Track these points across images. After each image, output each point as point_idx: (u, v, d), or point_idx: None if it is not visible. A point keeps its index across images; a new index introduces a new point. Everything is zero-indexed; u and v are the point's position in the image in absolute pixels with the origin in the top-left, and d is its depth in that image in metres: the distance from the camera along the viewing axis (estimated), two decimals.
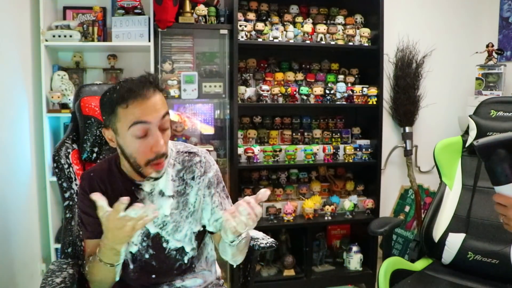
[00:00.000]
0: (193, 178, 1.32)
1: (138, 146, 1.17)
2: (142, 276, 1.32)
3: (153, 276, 1.32)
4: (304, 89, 2.63)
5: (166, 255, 1.32)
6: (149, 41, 2.40)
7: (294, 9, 2.78)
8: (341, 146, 2.74)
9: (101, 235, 1.22)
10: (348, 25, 2.78)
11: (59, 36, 2.32)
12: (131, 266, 1.31)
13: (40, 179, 2.36)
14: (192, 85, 2.45)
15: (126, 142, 1.18)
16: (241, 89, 2.56)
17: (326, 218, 2.68)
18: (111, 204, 1.27)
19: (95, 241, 1.26)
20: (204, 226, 1.35)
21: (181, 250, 1.32)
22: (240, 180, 2.65)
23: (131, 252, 1.30)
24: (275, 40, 2.58)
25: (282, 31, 2.63)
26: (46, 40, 2.30)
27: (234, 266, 1.51)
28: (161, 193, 1.29)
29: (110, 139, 1.22)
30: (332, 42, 2.70)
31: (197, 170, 1.32)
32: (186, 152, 1.34)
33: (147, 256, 1.31)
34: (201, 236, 1.35)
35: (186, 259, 1.34)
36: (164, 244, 1.31)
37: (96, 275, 1.23)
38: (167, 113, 1.19)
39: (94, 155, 1.55)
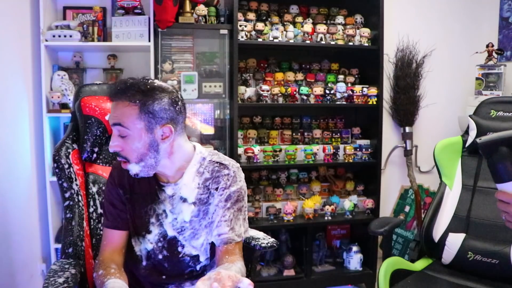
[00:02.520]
0: (216, 189, 1.30)
1: None
2: (153, 275, 1.33)
3: (164, 277, 1.33)
4: (304, 89, 2.63)
5: (180, 259, 1.32)
6: (149, 41, 2.40)
7: (294, 9, 2.78)
8: (341, 146, 2.74)
9: (119, 227, 1.30)
10: (348, 25, 2.78)
11: (59, 36, 2.32)
12: (144, 263, 1.33)
13: (40, 179, 2.36)
14: (192, 85, 2.45)
15: None
16: (241, 89, 2.56)
17: (326, 218, 2.68)
18: (133, 198, 1.31)
19: (112, 232, 1.31)
20: None
21: (195, 258, 1.33)
22: None
23: (146, 249, 1.32)
24: (275, 40, 2.58)
25: (282, 31, 2.63)
26: (46, 40, 2.30)
27: None
28: (183, 199, 1.30)
29: None
30: (332, 42, 2.70)
31: (222, 182, 1.30)
32: (217, 163, 1.33)
33: (160, 256, 1.32)
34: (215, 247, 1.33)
35: (198, 267, 1.34)
36: (180, 248, 1.31)
37: None
38: (119, 124, 1.18)
39: (94, 155, 1.55)
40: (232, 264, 1.19)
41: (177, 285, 1.35)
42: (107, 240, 1.31)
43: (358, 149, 2.74)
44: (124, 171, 1.30)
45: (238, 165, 1.36)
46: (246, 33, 2.53)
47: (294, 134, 2.74)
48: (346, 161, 2.72)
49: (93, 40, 2.40)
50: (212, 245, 1.32)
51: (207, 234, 1.31)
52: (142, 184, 1.31)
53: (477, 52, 2.86)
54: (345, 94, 2.72)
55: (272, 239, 1.51)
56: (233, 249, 1.26)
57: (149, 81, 1.21)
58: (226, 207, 1.28)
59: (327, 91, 2.67)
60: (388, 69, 3.04)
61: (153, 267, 1.33)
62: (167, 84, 1.25)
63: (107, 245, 1.30)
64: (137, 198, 1.32)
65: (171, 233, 1.31)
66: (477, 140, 1.05)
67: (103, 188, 1.52)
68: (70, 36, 2.33)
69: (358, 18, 2.82)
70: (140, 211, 1.31)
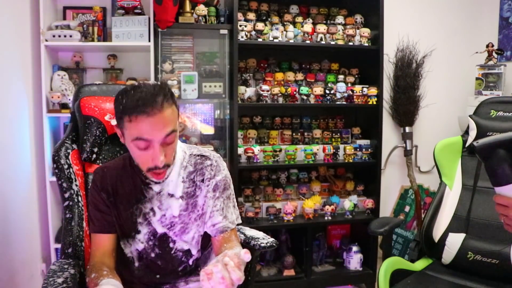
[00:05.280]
0: (202, 181, 1.32)
1: (139, 155, 1.19)
2: (147, 275, 1.33)
3: (158, 276, 1.32)
4: (304, 89, 2.63)
5: (172, 256, 1.32)
6: (149, 41, 2.40)
7: (294, 9, 2.78)
8: (341, 146, 2.74)
9: (106, 230, 1.29)
10: (348, 25, 2.78)
11: (59, 36, 2.32)
12: (136, 264, 1.32)
13: (40, 179, 2.36)
14: (192, 85, 2.45)
15: (130, 148, 1.21)
16: (241, 89, 2.56)
17: (326, 218, 2.68)
18: (118, 201, 1.30)
19: (100, 236, 1.30)
20: None
21: (187, 252, 1.33)
22: (240, 180, 2.65)
23: (137, 250, 1.31)
24: (275, 40, 2.58)
25: (282, 31, 2.63)
26: (46, 40, 2.30)
27: None
28: (170, 194, 1.30)
29: (120, 136, 1.24)
30: (332, 42, 2.70)
31: (207, 173, 1.32)
32: (198, 155, 1.35)
33: (153, 255, 1.31)
34: (208, 238, 1.35)
35: (191, 261, 1.34)
36: (171, 244, 1.31)
37: None
38: (174, 130, 1.17)
39: (94, 155, 1.54)
40: (232, 250, 1.20)
41: (171, 285, 1.35)
42: (96, 245, 1.30)
43: (358, 149, 2.74)
44: (105, 175, 1.30)
45: (219, 155, 1.40)
46: (246, 33, 2.53)
47: (294, 134, 2.74)
48: (346, 161, 2.72)
49: (93, 40, 2.41)
50: (204, 237, 1.33)
51: (198, 226, 1.32)
52: (126, 185, 1.31)
53: (477, 52, 2.86)
54: (345, 94, 2.72)
55: (272, 239, 1.51)
56: (229, 236, 1.29)
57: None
58: (215, 197, 1.31)
59: (327, 91, 2.67)
60: (388, 69, 3.04)
61: (146, 267, 1.32)
62: None
63: (97, 249, 1.29)
64: (121, 200, 1.31)
65: (160, 230, 1.31)
66: (474, 143, 1.04)
67: None
68: (70, 36, 2.33)
69: (358, 18, 2.82)
70: (126, 212, 1.31)
